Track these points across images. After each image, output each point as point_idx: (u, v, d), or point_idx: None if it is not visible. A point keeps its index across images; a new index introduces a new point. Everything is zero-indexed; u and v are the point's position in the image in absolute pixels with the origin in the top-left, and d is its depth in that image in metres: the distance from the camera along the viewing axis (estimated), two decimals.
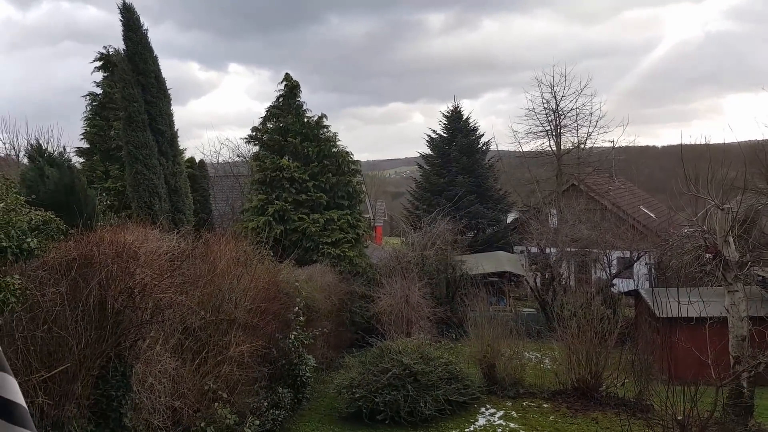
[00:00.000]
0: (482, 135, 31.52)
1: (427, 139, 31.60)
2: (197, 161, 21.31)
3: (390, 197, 58.60)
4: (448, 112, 31.29)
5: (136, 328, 6.31)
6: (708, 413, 9.43)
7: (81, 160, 18.46)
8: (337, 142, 19.00)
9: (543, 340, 16.73)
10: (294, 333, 10.33)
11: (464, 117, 31.07)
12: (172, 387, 6.69)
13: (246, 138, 19.85)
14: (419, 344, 11.94)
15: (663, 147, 55.90)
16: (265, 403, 9.18)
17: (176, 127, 15.95)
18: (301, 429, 10.48)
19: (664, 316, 14.24)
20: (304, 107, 19.08)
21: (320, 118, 19.05)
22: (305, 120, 18.90)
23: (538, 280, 21.26)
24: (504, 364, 12.59)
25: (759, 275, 17.36)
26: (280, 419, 9.71)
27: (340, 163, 18.55)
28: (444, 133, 31.08)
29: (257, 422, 8.35)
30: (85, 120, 18.38)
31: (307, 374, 10.64)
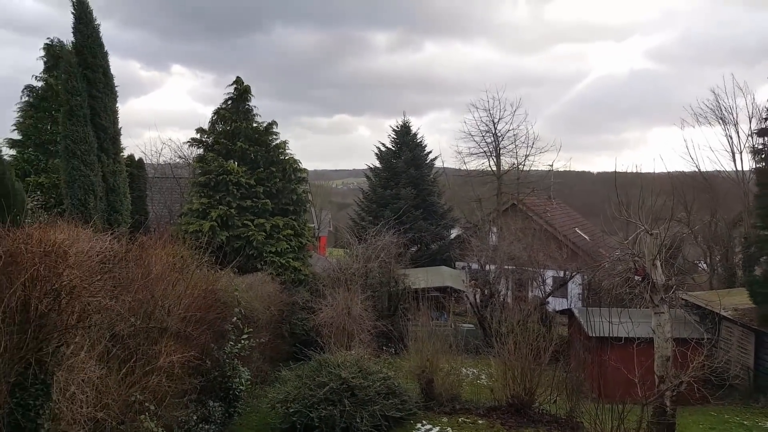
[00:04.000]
0: (430, 151, 32.04)
1: (376, 151, 31.81)
2: (136, 159, 20.43)
3: (336, 208, 58.15)
4: (397, 126, 31.68)
5: (60, 332, 5.88)
6: (634, 431, 9.80)
7: (12, 152, 17.36)
8: (286, 150, 18.79)
9: (481, 355, 16.98)
10: (230, 344, 9.98)
11: (412, 132, 31.52)
12: (95, 397, 6.27)
13: (190, 141, 19.27)
14: (358, 358, 11.79)
15: (598, 173, 58.61)
16: (195, 417, 8.80)
17: (120, 125, 15.34)
18: None
19: (596, 335, 14.81)
20: (254, 112, 18.79)
21: (270, 124, 18.79)
22: (254, 125, 18.59)
23: (477, 296, 21.62)
24: (442, 380, 12.63)
25: (682, 299, 18.45)
26: None
27: (286, 169, 18.31)
28: (392, 146, 31.39)
29: None
30: (19, 110, 17.35)
31: (241, 387, 10.29)
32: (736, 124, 25.34)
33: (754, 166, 22.90)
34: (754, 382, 15.05)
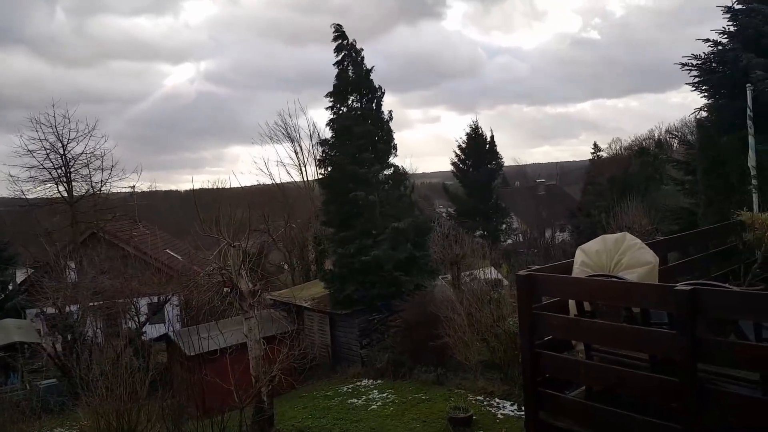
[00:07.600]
0: None
1: None
2: None
3: None
4: None
5: None
6: None
7: None
8: None
9: (69, 411, 14.71)
10: None
11: None
12: None
13: None
14: None
15: (184, 191, 58.69)
16: None
17: None
18: None
19: (193, 354, 14.76)
20: None
21: None
22: None
23: (59, 345, 18.69)
24: None
25: (270, 298, 20.31)
26: None
27: None
28: None
29: None
30: None
31: None
32: (300, 140, 29.95)
33: (317, 176, 27.47)
34: (332, 356, 17.84)
